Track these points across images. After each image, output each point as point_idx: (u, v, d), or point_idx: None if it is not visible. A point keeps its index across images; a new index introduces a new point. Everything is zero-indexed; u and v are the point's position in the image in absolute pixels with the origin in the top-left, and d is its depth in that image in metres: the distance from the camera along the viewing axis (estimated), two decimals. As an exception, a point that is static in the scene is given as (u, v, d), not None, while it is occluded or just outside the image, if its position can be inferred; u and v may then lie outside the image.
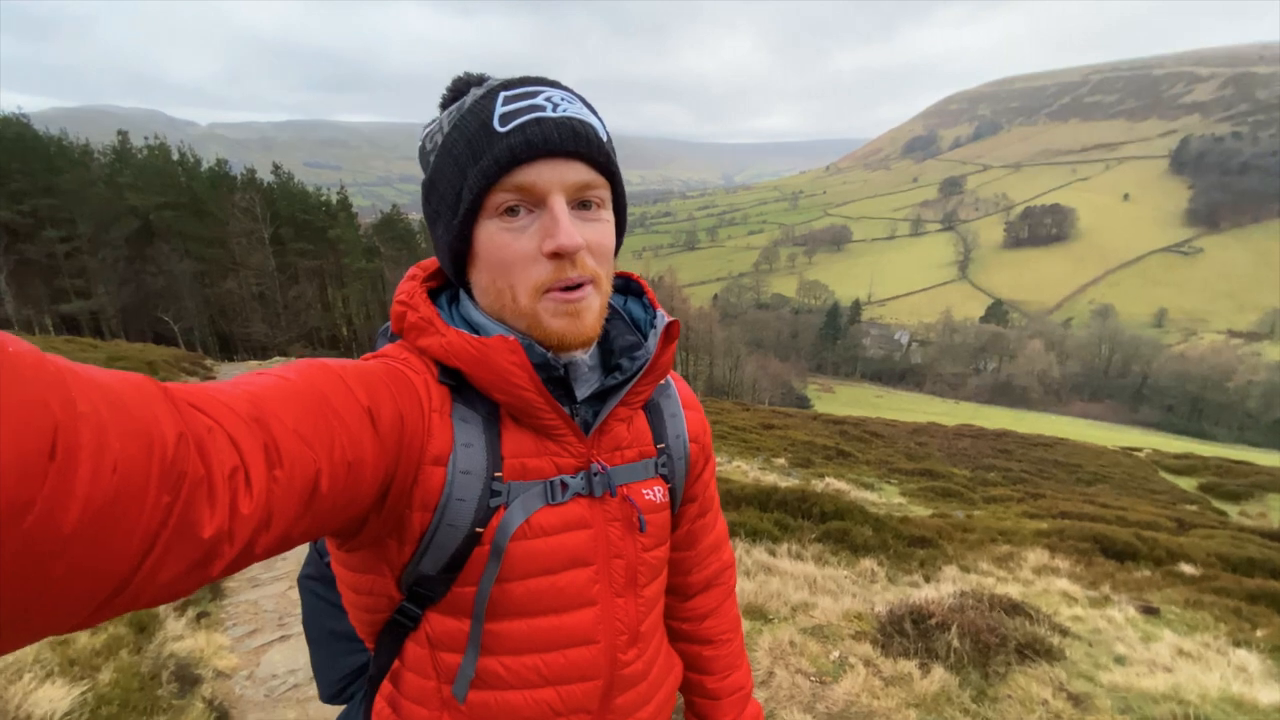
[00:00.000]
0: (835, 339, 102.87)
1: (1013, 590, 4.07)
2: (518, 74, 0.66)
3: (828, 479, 8.96)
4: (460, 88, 0.68)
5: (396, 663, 0.71)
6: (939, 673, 2.67)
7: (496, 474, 0.66)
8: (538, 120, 0.61)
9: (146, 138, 39.68)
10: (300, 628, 3.05)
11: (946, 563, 4.79)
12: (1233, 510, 15.57)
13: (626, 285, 0.82)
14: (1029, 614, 3.26)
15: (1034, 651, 2.84)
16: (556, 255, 0.63)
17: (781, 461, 12.17)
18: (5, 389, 0.30)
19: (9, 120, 33.25)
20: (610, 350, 0.75)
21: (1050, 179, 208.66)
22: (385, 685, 0.72)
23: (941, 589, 3.69)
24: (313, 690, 2.64)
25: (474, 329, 0.70)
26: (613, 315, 0.77)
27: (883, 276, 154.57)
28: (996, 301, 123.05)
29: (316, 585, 0.91)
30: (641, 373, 0.72)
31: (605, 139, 0.66)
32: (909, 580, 4.17)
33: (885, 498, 8.88)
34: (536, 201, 0.63)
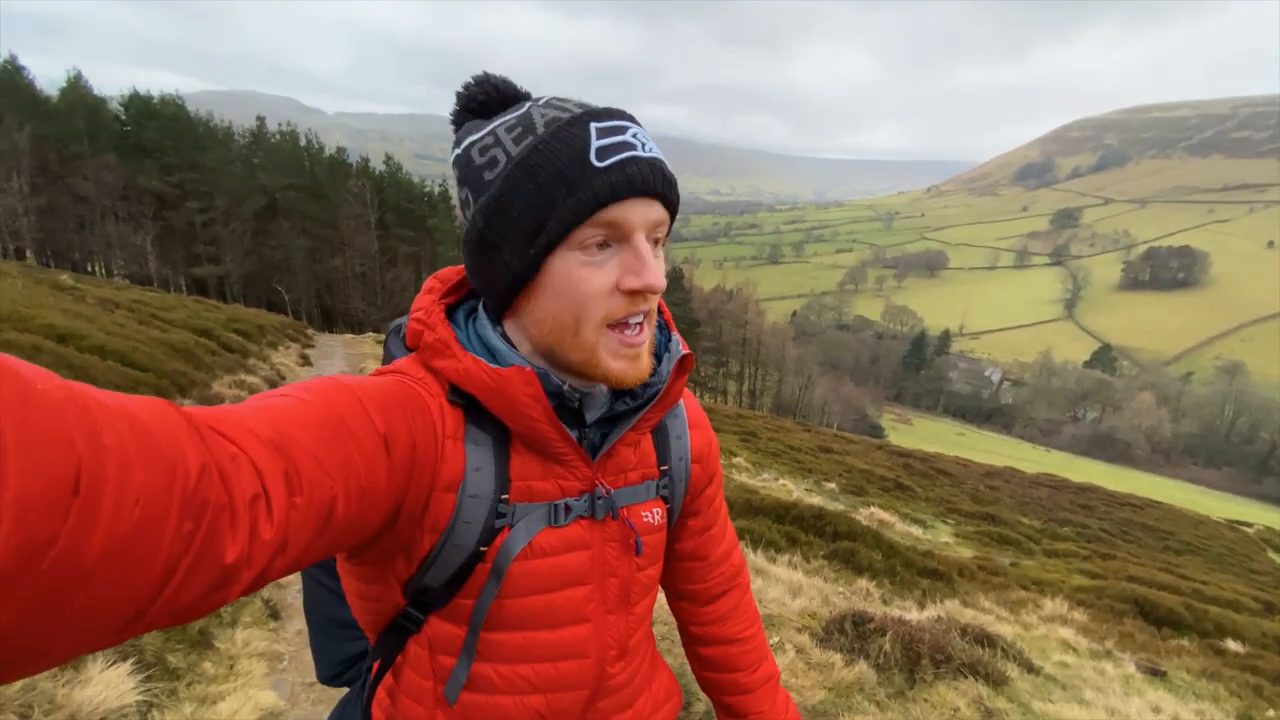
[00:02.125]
0: (919, 369, 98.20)
1: (1006, 630, 3.98)
2: (593, 103, 0.65)
3: (873, 508, 8.82)
4: (492, 95, 0.67)
5: (399, 658, 0.74)
6: (861, 667, 2.86)
7: (503, 496, 0.67)
8: (634, 160, 0.62)
9: (280, 124, 43.86)
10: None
11: (950, 596, 4.75)
12: (1351, 605, 13.84)
13: None
14: (996, 645, 3.28)
15: (974, 672, 2.92)
16: (637, 292, 0.64)
17: (832, 486, 12.04)
18: (32, 426, 0.30)
19: (167, 101, 37.73)
20: None
21: (1182, 218, 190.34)
22: (387, 677, 0.75)
23: (925, 613, 3.72)
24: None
25: (489, 352, 0.69)
26: None
27: (978, 308, 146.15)
28: (1104, 346, 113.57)
29: (318, 573, 0.93)
30: (653, 402, 0.73)
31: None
32: (901, 604, 4.19)
33: (933, 535, 8.66)
34: (620, 238, 0.63)
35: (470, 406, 0.67)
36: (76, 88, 36.48)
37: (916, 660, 2.88)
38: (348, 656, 0.90)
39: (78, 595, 0.33)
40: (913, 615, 3.51)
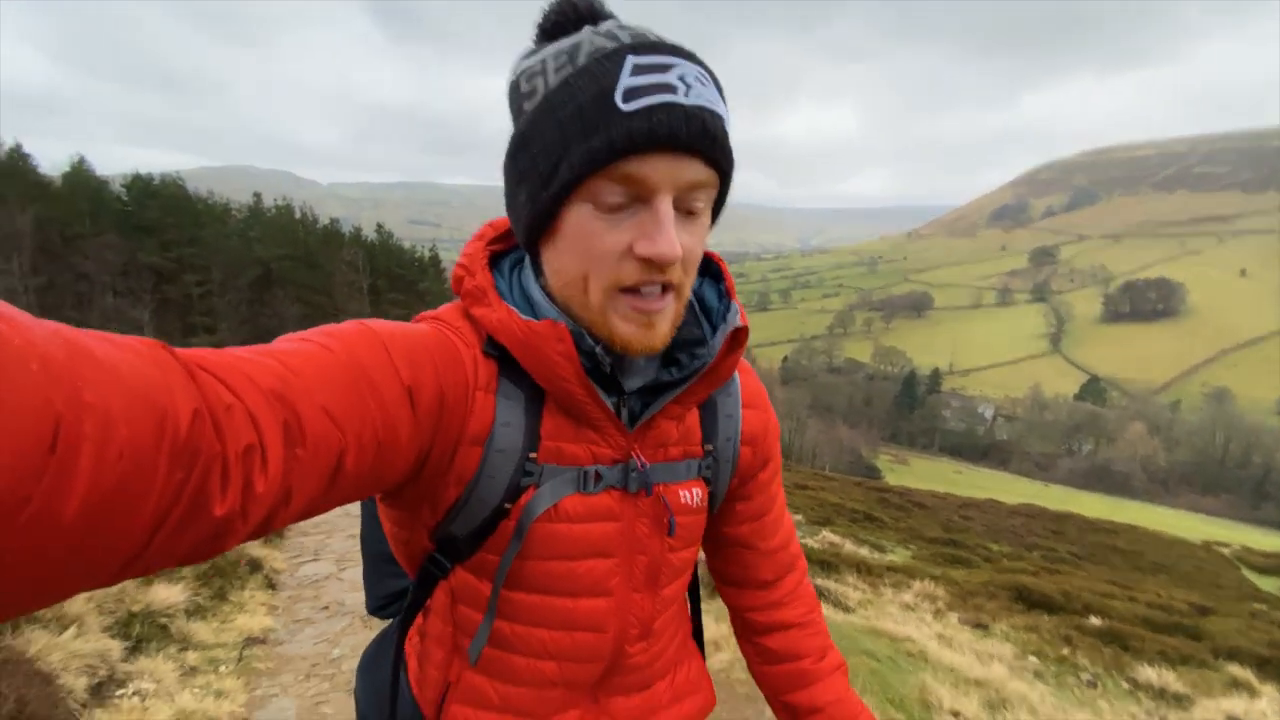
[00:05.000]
0: (912, 409, 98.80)
1: (854, 595, 4.81)
2: (649, 33, 0.57)
3: (824, 532, 9.45)
4: (567, 15, 0.59)
5: (429, 601, 0.74)
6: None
7: (531, 454, 0.65)
8: (667, 106, 0.53)
9: (275, 198, 45.89)
10: (327, 555, 4.34)
11: (825, 578, 5.45)
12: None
13: (705, 266, 0.74)
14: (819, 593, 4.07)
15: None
16: (648, 260, 0.57)
17: (799, 518, 12.63)
18: (3, 389, 0.29)
19: (168, 181, 39.72)
20: (670, 345, 0.67)
21: (1155, 252, 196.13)
22: (419, 618, 0.76)
23: None
24: (329, 584, 3.87)
25: (530, 304, 0.66)
26: None
27: (965, 346, 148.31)
28: (1093, 378, 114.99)
29: (373, 506, 0.95)
30: (700, 375, 0.68)
31: (729, 133, 0.57)
32: None
33: (884, 557, 9.26)
34: (641, 196, 0.56)
35: (505, 359, 0.65)
36: (80, 172, 38.30)
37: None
38: (392, 592, 0.94)
39: (60, 547, 0.32)
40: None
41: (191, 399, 0.39)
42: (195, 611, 3.08)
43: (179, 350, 0.41)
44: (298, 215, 44.81)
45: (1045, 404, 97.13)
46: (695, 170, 0.56)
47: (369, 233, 47.52)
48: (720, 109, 0.56)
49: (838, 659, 0.88)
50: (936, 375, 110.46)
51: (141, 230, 36.83)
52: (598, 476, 0.67)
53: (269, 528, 0.46)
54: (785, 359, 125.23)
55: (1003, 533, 17.81)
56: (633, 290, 0.59)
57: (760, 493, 0.83)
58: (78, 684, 2.19)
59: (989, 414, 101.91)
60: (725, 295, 0.72)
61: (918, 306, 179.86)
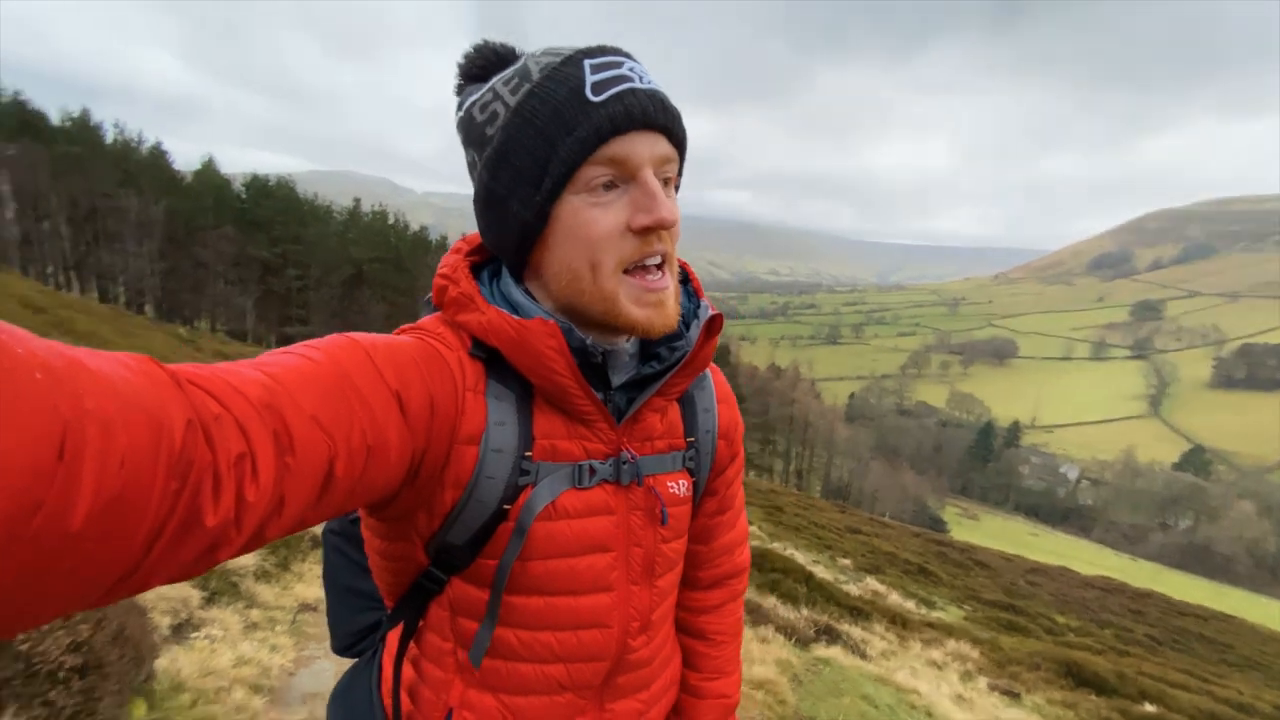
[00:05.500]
0: (986, 461, 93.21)
1: (880, 644, 4.67)
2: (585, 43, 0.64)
3: (870, 579, 9.18)
4: (490, 59, 0.66)
5: (421, 623, 0.73)
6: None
7: (526, 453, 0.66)
8: (633, 92, 0.60)
9: (372, 205, 49.51)
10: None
11: (851, 625, 5.31)
12: None
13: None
14: (839, 637, 4.03)
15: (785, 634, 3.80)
16: (647, 230, 0.62)
17: (846, 562, 12.30)
18: (15, 393, 0.30)
19: (281, 183, 43.86)
20: (647, 340, 0.72)
21: (1277, 315, 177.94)
22: (410, 646, 0.74)
23: (802, 613, 4.49)
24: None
25: (513, 308, 0.68)
26: None
27: (1051, 400, 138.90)
28: (1196, 447, 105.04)
29: (340, 541, 0.94)
30: (680, 365, 0.72)
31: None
32: (796, 612, 4.93)
33: (929, 613, 8.93)
34: (626, 176, 0.62)
35: (492, 361, 0.66)
36: (209, 170, 42.76)
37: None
38: (363, 628, 0.92)
39: (65, 558, 0.33)
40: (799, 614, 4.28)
41: (184, 409, 0.39)
42: (262, 575, 3.47)
43: (166, 365, 0.42)
44: (391, 221, 48.21)
45: (1139, 470, 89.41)
46: (664, 145, 0.63)
47: (452, 239, 50.39)
48: (664, 92, 0.64)
49: (726, 690, 0.90)
50: (1016, 428, 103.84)
51: (254, 226, 40.58)
52: (591, 471, 0.69)
53: (263, 538, 0.46)
54: (852, 395, 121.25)
55: (1072, 604, 16.55)
56: (639, 270, 0.64)
57: (725, 488, 0.88)
58: (163, 621, 2.58)
59: (1073, 475, 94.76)
60: (694, 295, 0.77)
61: (1000, 353, 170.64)
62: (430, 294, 0.72)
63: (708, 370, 0.82)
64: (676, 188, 0.69)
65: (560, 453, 0.68)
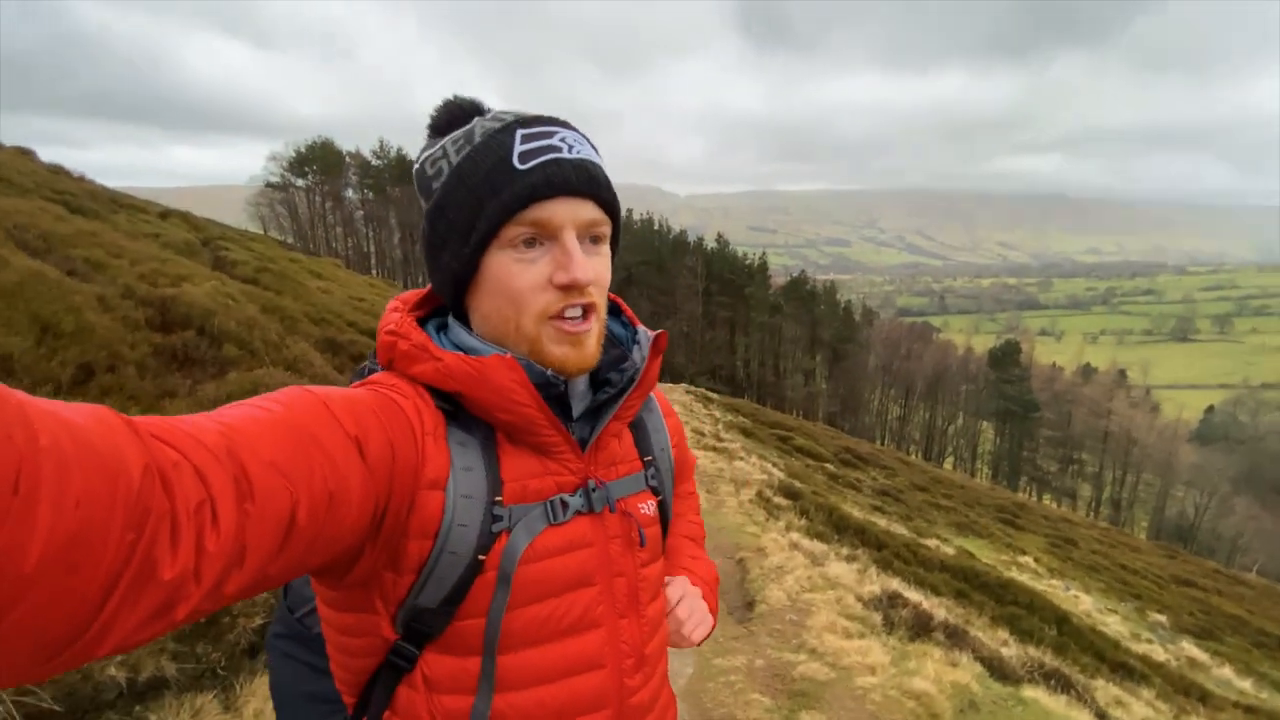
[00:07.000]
0: None
1: (1134, 709, 3.63)
2: (530, 111, 0.70)
3: (1185, 643, 7.25)
4: (455, 114, 0.72)
5: (387, 713, 0.68)
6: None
7: (497, 498, 0.66)
8: (556, 161, 0.66)
9: (642, 213, 55.57)
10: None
11: (1107, 681, 4.31)
12: None
13: (610, 308, 0.84)
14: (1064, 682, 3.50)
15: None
16: (567, 287, 0.67)
17: (1160, 618, 10.06)
18: None
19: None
20: (597, 369, 0.75)
21: None
22: None
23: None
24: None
25: (467, 353, 0.69)
26: None
27: None
28: None
29: (289, 645, 0.88)
30: (634, 386, 0.76)
31: (610, 180, 0.71)
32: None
33: (1272, 698, 6.87)
34: (549, 235, 0.67)
35: (454, 413, 0.68)
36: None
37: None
38: None
39: (15, 606, 0.32)
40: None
41: (140, 455, 0.39)
42: None
43: (124, 415, 0.42)
44: (655, 226, 53.39)
45: None
46: (589, 210, 0.68)
47: (711, 241, 53.43)
48: (598, 161, 0.70)
49: (694, 532, 1.00)
50: None
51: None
52: (564, 505, 0.70)
53: (222, 594, 0.44)
54: (1210, 409, 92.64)
55: None
56: (558, 317, 0.68)
57: (684, 479, 0.98)
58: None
59: None
60: (629, 325, 0.83)
61: None
62: (365, 363, 0.76)
63: (652, 393, 0.87)
64: (614, 245, 0.74)
65: (531, 492, 0.69)
